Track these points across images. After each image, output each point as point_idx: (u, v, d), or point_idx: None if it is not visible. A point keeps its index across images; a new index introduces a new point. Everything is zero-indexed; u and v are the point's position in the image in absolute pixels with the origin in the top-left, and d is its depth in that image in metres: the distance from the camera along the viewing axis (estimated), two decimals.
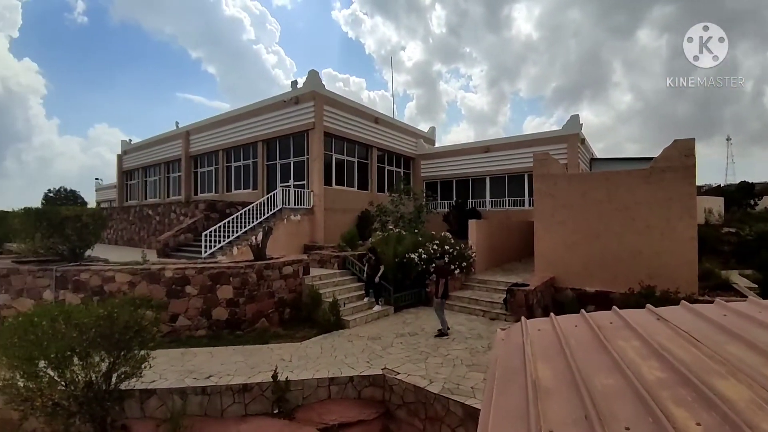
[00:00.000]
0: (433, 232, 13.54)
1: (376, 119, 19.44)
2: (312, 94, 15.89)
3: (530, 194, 18.98)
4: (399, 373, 6.15)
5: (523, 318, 2.64)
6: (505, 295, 9.88)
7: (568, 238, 10.83)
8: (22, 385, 4.58)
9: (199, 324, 8.10)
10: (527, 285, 9.69)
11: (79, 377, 4.80)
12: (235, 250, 12.18)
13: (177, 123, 23.73)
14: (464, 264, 11.66)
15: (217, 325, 8.21)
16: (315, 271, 10.77)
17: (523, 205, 19.63)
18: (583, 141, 18.53)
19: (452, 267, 11.42)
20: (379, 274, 10.22)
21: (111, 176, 33.50)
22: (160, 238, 13.21)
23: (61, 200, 24.03)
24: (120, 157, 28.24)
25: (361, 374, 6.19)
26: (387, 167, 21.00)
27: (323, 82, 16.42)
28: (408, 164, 22.82)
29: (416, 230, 14.10)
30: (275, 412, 5.67)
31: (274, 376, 5.67)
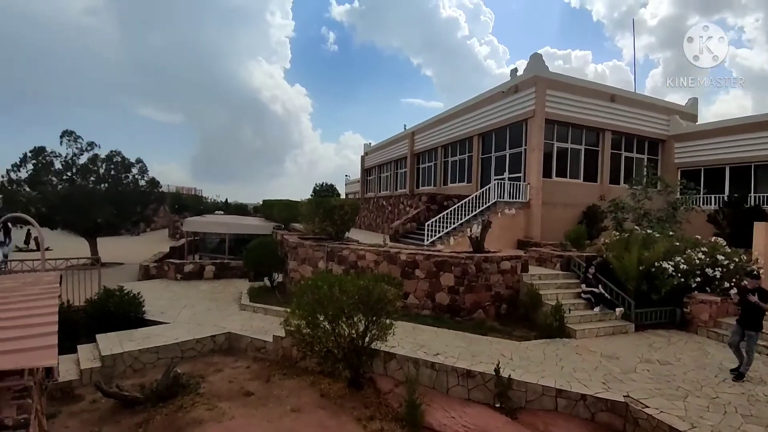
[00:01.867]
0: (698, 237, 10.45)
1: (612, 97, 16.46)
2: (533, 79, 14.91)
3: None
4: (648, 407, 5.15)
5: None
6: None
7: None
8: (305, 332, 6.12)
9: (425, 305, 9.05)
10: None
11: (345, 332, 6.18)
12: (452, 240, 12.93)
13: (405, 125, 27.10)
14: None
15: (440, 308, 8.96)
16: (533, 270, 10.18)
17: None
18: None
19: (727, 285, 8.57)
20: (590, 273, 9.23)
21: (354, 173, 41.72)
22: (392, 225, 15.47)
23: (324, 192, 31.30)
24: (363, 158, 34.66)
25: (596, 395, 5.47)
26: (624, 153, 17.56)
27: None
28: (654, 148, 18.41)
29: (671, 232, 11.18)
30: (497, 405, 5.70)
31: (497, 371, 5.69)
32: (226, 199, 43.27)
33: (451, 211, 13.35)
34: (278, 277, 12.09)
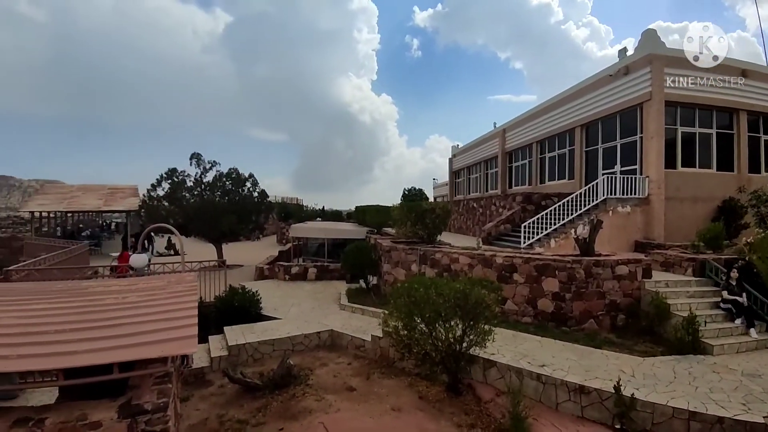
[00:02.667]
0: None
1: (743, 72, 13.56)
2: (648, 58, 13.04)
3: None
4: None
5: None
6: None
7: None
8: (403, 333, 6.21)
9: (525, 311, 8.50)
10: None
11: (443, 335, 6.10)
12: (552, 242, 11.96)
13: (494, 123, 26.01)
14: None
15: (542, 315, 8.33)
16: (658, 275, 8.87)
17: None
18: None
19: None
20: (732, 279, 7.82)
21: (441, 175, 41.37)
22: (484, 227, 14.90)
23: (413, 196, 31.53)
24: (450, 160, 34.18)
25: (735, 418, 4.70)
26: (763, 137, 14.38)
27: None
28: None
29: None
30: (616, 427, 5.08)
31: (617, 388, 5.06)
32: (323, 207, 46.44)
33: (551, 211, 12.34)
34: (373, 280, 12.54)
